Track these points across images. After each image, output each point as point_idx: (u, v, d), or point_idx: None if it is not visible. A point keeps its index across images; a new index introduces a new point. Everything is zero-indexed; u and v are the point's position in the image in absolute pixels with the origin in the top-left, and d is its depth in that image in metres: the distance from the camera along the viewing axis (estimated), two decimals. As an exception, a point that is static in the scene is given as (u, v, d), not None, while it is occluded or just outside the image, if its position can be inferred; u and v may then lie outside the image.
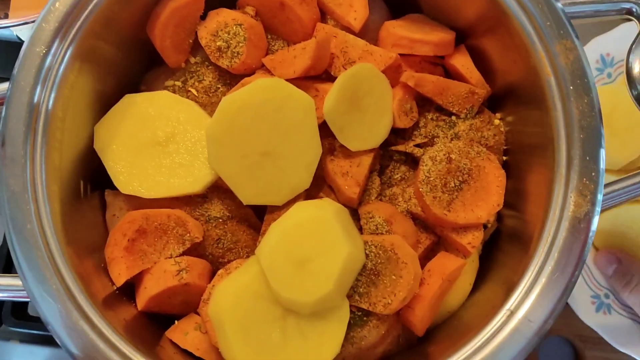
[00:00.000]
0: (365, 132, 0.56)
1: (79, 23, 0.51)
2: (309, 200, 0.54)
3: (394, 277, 0.53)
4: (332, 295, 0.49)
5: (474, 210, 0.55)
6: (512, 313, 0.45)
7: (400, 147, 0.59)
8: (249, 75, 0.59)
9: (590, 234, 0.46)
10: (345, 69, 0.58)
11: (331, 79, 0.60)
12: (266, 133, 0.53)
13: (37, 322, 0.74)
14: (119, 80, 0.60)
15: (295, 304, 0.49)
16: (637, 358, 0.73)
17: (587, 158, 0.47)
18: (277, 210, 0.57)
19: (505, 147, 0.60)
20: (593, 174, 0.46)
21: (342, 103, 0.55)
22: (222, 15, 0.59)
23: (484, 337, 0.45)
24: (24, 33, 0.77)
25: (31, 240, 0.47)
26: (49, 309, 0.47)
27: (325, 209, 0.52)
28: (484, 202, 0.56)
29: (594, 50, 0.80)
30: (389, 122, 0.58)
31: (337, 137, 0.56)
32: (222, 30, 0.58)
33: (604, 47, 0.80)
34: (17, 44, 0.78)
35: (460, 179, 0.56)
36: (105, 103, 0.58)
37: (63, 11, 0.50)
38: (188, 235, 0.55)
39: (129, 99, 0.58)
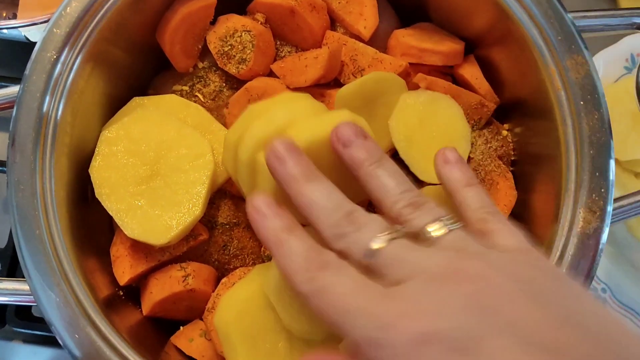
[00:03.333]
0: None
1: (90, 28, 0.51)
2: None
3: None
4: None
5: None
6: (519, 328, 0.45)
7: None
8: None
9: (599, 249, 0.46)
10: (355, 77, 0.58)
11: (339, 85, 0.60)
12: None
13: (40, 322, 0.74)
14: (128, 85, 0.60)
15: (309, 332, 0.48)
16: None
17: (597, 174, 0.47)
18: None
19: (512, 159, 0.60)
20: (602, 189, 0.46)
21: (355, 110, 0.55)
22: (232, 21, 0.59)
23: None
24: (32, 34, 0.77)
25: (39, 246, 0.47)
26: (56, 314, 0.47)
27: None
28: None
29: (624, 49, 0.79)
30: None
31: None
32: (230, 36, 0.58)
33: (636, 46, 0.80)
34: (25, 44, 0.78)
35: None
36: (113, 106, 0.58)
37: (74, 16, 0.50)
38: (192, 232, 0.55)
39: (137, 102, 0.59)
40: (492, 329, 0.30)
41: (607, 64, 0.83)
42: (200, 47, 0.61)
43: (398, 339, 0.30)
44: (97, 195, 0.53)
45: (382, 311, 0.31)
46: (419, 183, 0.56)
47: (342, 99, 0.56)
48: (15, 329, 0.74)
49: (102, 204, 0.52)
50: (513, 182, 0.57)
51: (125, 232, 0.52)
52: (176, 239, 0.53)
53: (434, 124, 0.57)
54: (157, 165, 0.54)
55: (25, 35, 0.77)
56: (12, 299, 0.52)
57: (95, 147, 0.54)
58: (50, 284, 0.47)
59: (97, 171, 0.53)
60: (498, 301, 0.31)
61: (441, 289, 0.31)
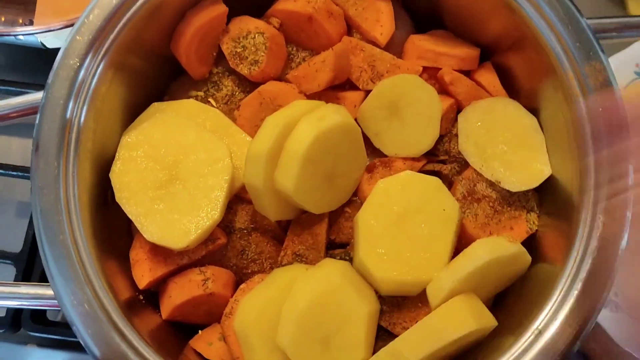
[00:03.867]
0: (406, 140, 0.58)
1: (112, 36, 0.52)
2: (311, 270, 0.53)
3: (420, 304, 0.53)
4: None
5: (500, 231, 0.55)
6: (540, 332, 0.46)
7: (429, 166, 0.59)
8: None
9: (619, 255, 0.46)
10: (374, 82, 0.59)
11: (354, 88, 0.61)
12: None
13: (55, 326, 0.75)
14: (146, 91, 0.61)
15: None
16: (637, 356, 0.72)
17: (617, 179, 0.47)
18: (299, 225, 0.57)
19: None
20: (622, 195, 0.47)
21: (377, 110, 0.57)
22: (245, 23, 0.60)
23: (512, 356, 0.46)
24: (48, 40, 0.77)
25: (63, 250, 0.48)
26: (80, 318, 0.47)
27: (331, 276, 0.51)
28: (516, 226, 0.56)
29: (634, 54, 0.78)
30: (435, 133, 0.58)
31: (372, 141, 0.58)
32: (244, 37, 0.59)
33: None
34: (41, 51, 0.79)
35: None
36: (132, 112, 0.59)
37: (97, 24, 0.51)
38: (210, 236, 0.56)
39: (156, 107, 0.59)
40: None
41: (617, 69, 0.82)
42: (215, 54, 0.62)
43: None
44: (117, 200, 0.53)
45: None
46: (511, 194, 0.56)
47: (367, 118, 0.58)
48: (30, 332, 0.74)
49: (122, 208, 0.53)
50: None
51: (145, 236, 0.53)
52: (195, 243, 0.54)
53: (502, 128, 0.57)
54: (176, 170, 0.55)
55: (41, 42, 0.77)
56: (31, 304, 0.52)
57: (115, 152, 0.55)
58: (73, 288, 0.48)
59: (118, 176, 0.54)
60: None
61: None
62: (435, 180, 0.54)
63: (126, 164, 0.55)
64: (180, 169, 0.55)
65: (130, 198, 0.54)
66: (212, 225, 0.54)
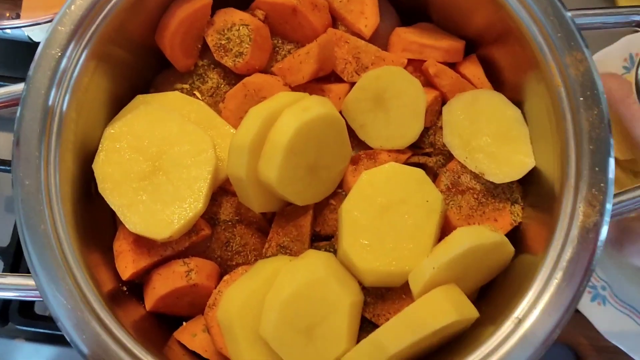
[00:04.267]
0: (391, 132, 0.58)
1: (93, 27, 0.52)
2: (295, 261, 0.53)
3: (404, 296, 0.54)
4: (347, 350, 0.50)
5: (484, 222, 0.55)
6: (520, 321, 0.46)
7: (414, 159, 0.60)
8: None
9: (599, 244, 0.46)
10: (358, 74, 0.59)
11: (339, 80, 0.61)
12: None
13: (43, 320, 0.75)
14: (130, 83, 0.60)
15: None
16: (623, 349, 0.73)
17: (597, 169, 0.47)
18: (283, 216, 0.57)
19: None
20: (602, 184, 0.47)
21: (362, 102, 0.57)
22: (230, 15, 0.60)
23: (492, 344, 0.46)
24: (35, 33, 0.77)
25: (45, 241, 0.48)
26: (61, 309, 0.47)
27: (314, 266, 0.51)
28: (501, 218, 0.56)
29: (623, 48, 0.78)
30: (419, 125, 0.58)
31: (357, 133, 0.58)
32: (228, 29, 0.59)
33: (635, 46, 0.78)
34: (28, 44, 0.79)
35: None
36: (116, 104, 0.58)
37: (79, 14, 0.51)
38: (194, 227, 0.56)
39: (140, 99, 0.59)
40: None
41: (605, 63, 0.83)
42: (200, 46, 0.62)
43: None
44: (100, 191, 0.53)
45: None
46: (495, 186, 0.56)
47: (352, 110, 0.58)
48: (18, 327, 0.74)
49: (105, 199, 0.53)
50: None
51: (128, 227, 0.53)
52: (178, 234, 0.54)
53: (486, 120, 0.57)
54: (160, 161, 0.55)
55: (28, 35, 0.77)
56: (16, 294, 0.52)
57: (99, 143, 0.54)
58: (55, 279, 0.48)
59: (101, 167, 0.54)
60: None
61: None
62: (418, 172, 0.54)
63: (109, 155, 0.55)
64: (163, 160, 0.55)
65: (114, 189, 0.54)
66: (195, 216, 0.54)
